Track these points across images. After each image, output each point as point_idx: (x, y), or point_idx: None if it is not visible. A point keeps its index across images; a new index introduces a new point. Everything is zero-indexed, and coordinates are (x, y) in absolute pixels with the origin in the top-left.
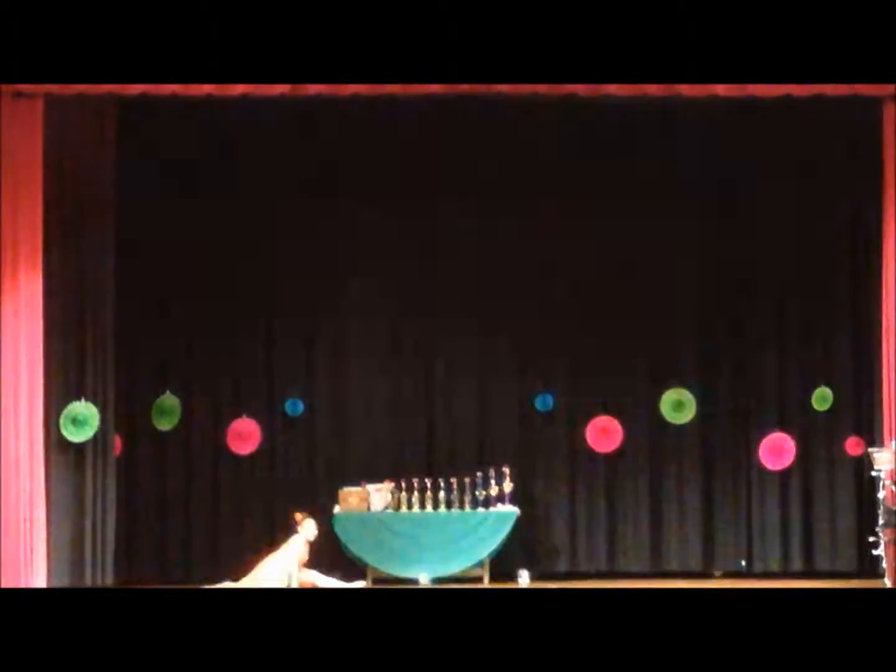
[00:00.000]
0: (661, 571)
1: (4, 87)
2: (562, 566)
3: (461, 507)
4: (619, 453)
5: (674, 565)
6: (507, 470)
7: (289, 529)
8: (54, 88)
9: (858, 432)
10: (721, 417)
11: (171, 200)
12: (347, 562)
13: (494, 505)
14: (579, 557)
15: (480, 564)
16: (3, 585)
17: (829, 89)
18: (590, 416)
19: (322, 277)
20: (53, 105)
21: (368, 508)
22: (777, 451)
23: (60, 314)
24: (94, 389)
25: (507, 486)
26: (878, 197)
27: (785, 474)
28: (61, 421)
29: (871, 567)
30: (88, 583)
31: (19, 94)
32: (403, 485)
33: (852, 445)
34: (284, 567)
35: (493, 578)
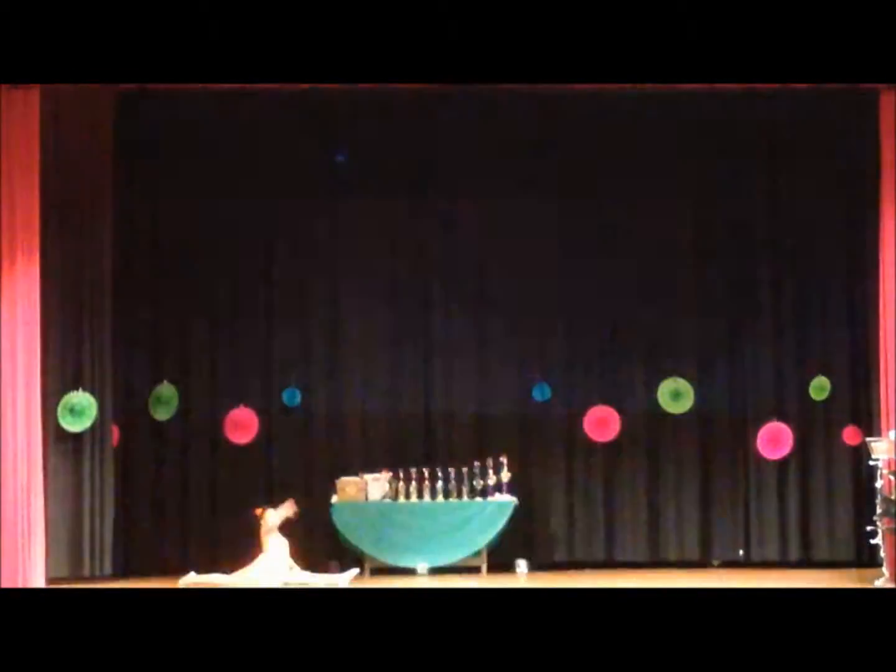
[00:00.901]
0: (658, 561)
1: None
2: (559, 556)
3: (459, 496)
4: (617, 443)
5: (671, 555)
6: (504, 460)
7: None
8: None
9: (856, 422)
10: (719, 407)
11: (168, 190)
12: (345, 552)
13: (492, 494)
14: (577, 547)
15: (478, 554)
16: (1, 575)
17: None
18: (587, 405)
19: (320, 268)
20: (50, 94)
21: (366, 498)
22: (775, 440)
23: (58, 304)
24: (92, 379)
25: (505, 476)
26: (877, 185)
27: (783, 464)
28: (59, 411)
29: (868, 556)
30: (87, 573)
31: (16, 84)
32: (401, 474)
33: (850, 435)
34: (272, 570)
35: (490, 568)
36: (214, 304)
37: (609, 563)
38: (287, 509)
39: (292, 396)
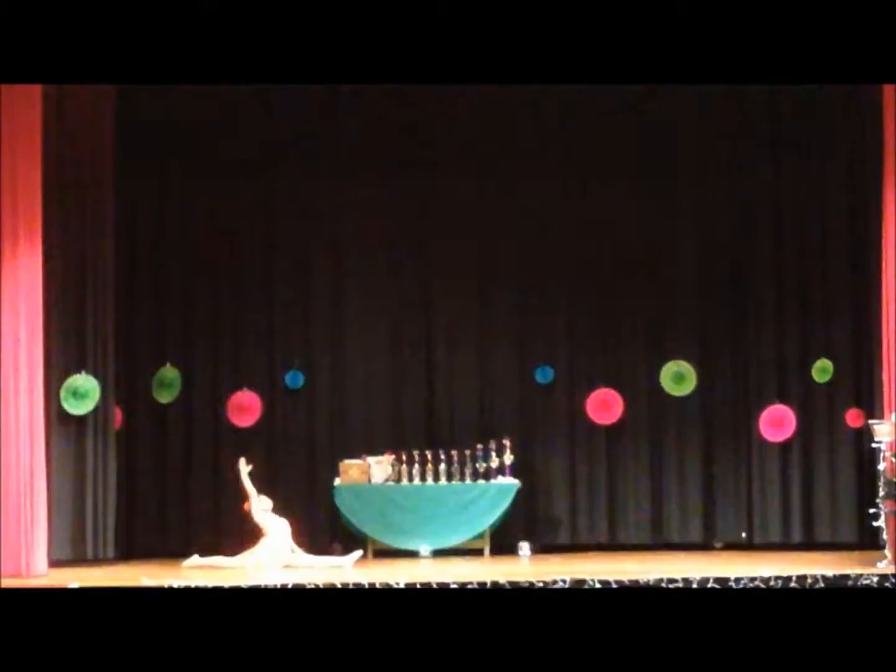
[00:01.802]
0: (661, 543)
1: None
2: (562, 538)
3: (462, 479)
4: (620, 425)
5: (674, 537)
6: (507, 442)
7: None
8: None
9: (859, 404)
10: (721, 389)
11: (171, 174)
12: (348, 534)
13: (495, 477)
14: (580, 529)
15: (481, 536)
16: (4, 558)
17: None
18: (590, 388)
19: (321, 251)
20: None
21: (369, 481)
22: (777, 422)
23: (60, 288)
24: (95, 362)
25: (508, 459)
26: (879, 170)
27: (785, 446)
28: (62, 394)
29: (871, 538)
30: (90, 555)
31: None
32: (404, 457)
33: (852, 417)
34: (274, 552)
35: (493, 550)
36: (217, 287)
37: (612, 546)
38: (243, 472)
39: (295, 379)
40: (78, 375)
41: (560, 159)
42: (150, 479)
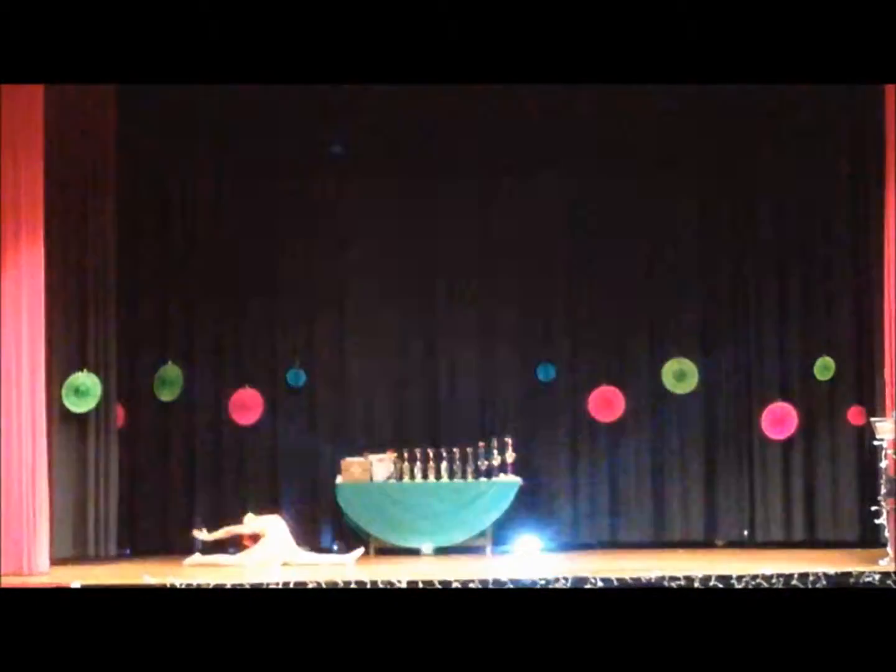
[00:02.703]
0: (663, 541)
1: None
2: (564, 536)
3: (463, 477)
4: (621, 423)
5: (676, 535)
6: (509, 440)
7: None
8: None
9: (860, 402)
10: (723, 387)
11: (172, 171)
12: (350, 532)
13: (497, 475)
14: (581, 527)
15: (483, 534)
16: (5, 558)
17: None
18: (592, 386)
19: (323, 250)
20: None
21: (371, 479)
22: (779, 420)
23: (62, 285)
24: (97, 360)
25: (510, 456)
26: (880, 165)
27: (787, 444)
28: (64, 391)
29: (872, 536)
30: (92, 553)
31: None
32: (406, 455)
33: (854, 415)
34: (275, 551)
35: (495, 548)
36: (219, 285)
37: (614, 544)
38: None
39: (297, 377)
40: (80, 373)
41: (561, 157)
42: (152, 476)
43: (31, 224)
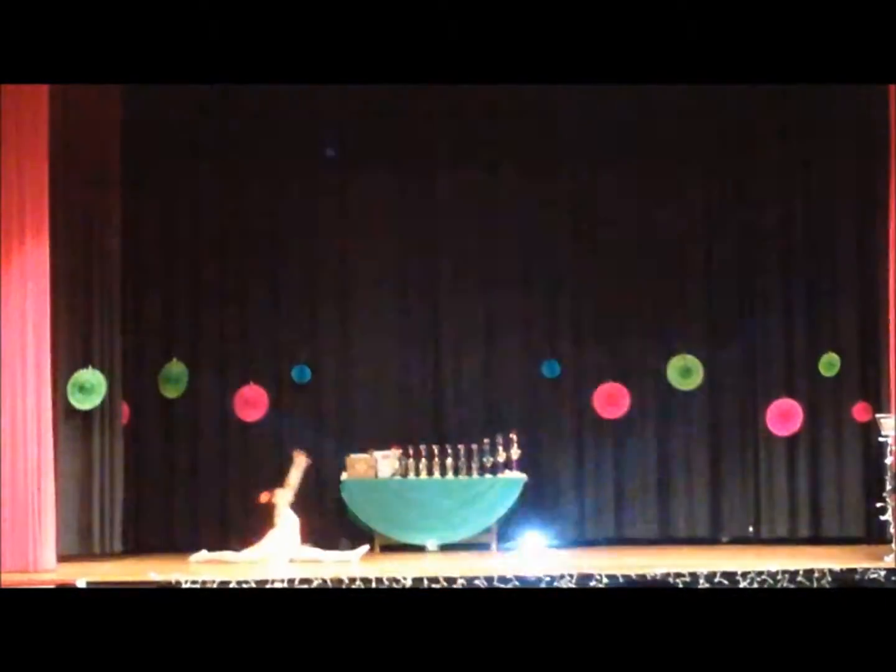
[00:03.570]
0: (668, 537)
1: None
2: (569, 532)
3: (469, 473)
4: (627, 420)
5: (681, 531)
6: (514, 436)
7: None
8: None
9: (865, 398)
10: (728, 383)
11: (177, 169)
12: (355, 529)
13: (502, 471)
14: (587, 524)
15: (488, 531)
16: (11, 555)
17: None
18: (597, 382)
19: (327, 245)
20: None
21: (376, 475)
22: (784, 416)
23: (67, 282)
24: (102, 357)
25: (515, 453)
26: (886, 162)
27: (792, 440)
28: (69, 389)
29: (878, 533)
30: (97, 550)
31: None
32: (411, 451)
33: (859, 411)
34: (281, 547)
35: (500, 545)
36: (223, 282)
37: (619, 540)
38: (299, 465)
39: (302, 373)
40: (85, 370)
41: (565, 155)
42: (157, 473)
43: (36, 222)
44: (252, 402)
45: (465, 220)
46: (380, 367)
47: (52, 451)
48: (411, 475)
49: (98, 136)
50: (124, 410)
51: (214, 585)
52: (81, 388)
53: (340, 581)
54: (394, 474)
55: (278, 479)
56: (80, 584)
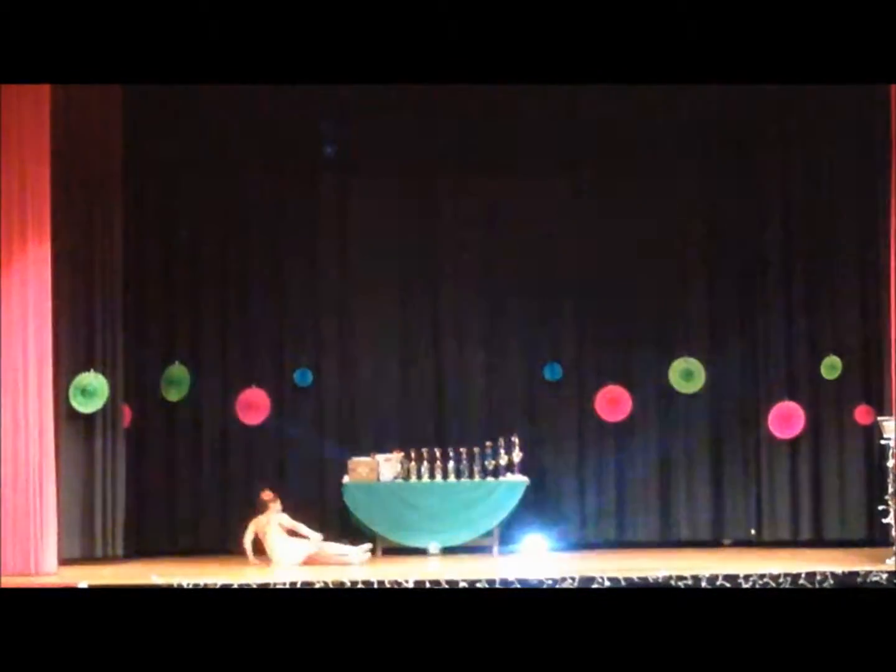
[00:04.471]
0: (670, 540)
1: None
2: (571, 535)
3: (471, 476)
4: (628, 422)
5: (683, 534)
6: (516, 439)
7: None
8: None
9: (867, 401)
10: (730, 386)
11: (179, 172)
12: (357, 532)
13: (504, 474)
14: (588, 527)
15: (490, 534)
16: (13, 558)
17: None
18: (599, 385)
19: (330, 249)
20: None
21: (378, 478)
22: (786, 419)
23: (69, 286)
24: (104, 360)
25: (517, 456)
26: (887, 161)
27: (794, 443)
28: (71, 392)
29: (880, 535)
30: (99, 553)
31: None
32: (413, 454)
33: (861, 414)
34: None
35: (502, 548)
36: (225, 285)
37: (621, 543)
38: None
39: (304, 376)
40: (87, 373)
41: (566, 157)
42: (159, 477)
43: (38, 224)
44: (254, 406)
45: (466, 223)
46: (382, 370)
47: (53, 455)
48: (413, 478)
49: (99, 138)
50: (126, 413)
51: (216, 587)
52: (83, 392)
53: (342, 584)
54: (396, 477)
55: (278, 481)
56: (82, 587)
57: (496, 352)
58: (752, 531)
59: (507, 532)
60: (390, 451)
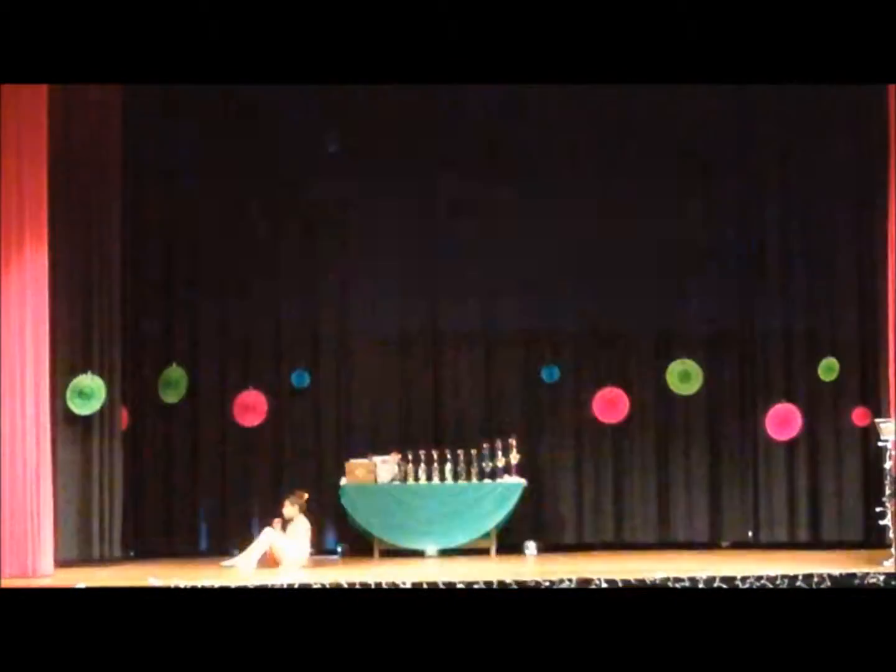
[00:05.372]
0: (668, 542)
1: None
2: (568, 537)
3: (468, 478)
4: (626, 424)
5: (681, 536)
6: (513, 441)
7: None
8: None
9: (865, 403)
10: (727, 388)
11: (177, 174)
12: (354, 534)
13: (501, 476)
14: (586, 528)
15: (487, 536)
16: (10, 560)
17: None
18: (596, 387)
19: (328, 250)
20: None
21: (375, 480)
22: (784, 421)
23: (66, 288)
24: (101, 362)
25: (514, 458)
26: (886, 169)
27: (791, 445)
28: (68, 394)
29: (877, 537)
30: (96, 555)
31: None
32: (410, 456)
33: (859, 416)
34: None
35: (499, 550)
36: (223, 287)
37: (618, 545)
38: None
39: (301, 378)
40: (84, 375)
41: (565, 158)
42: (157, 479)
43: (36, 226)
44: (251, 407)
45: (465, 224)
46: (379, 372)
47: (50, 457)
48: (410, 480)
49: (98, 138)
50: (123, 416)
51: (213, 588)
52: (81, 394)
53: (339, 586)
54: (393, 479)
55: (278, 483)
56: (79, 588)
57: (494, 353)
58: (750, 533)
59: (504, 534)
60: (388, 452)
